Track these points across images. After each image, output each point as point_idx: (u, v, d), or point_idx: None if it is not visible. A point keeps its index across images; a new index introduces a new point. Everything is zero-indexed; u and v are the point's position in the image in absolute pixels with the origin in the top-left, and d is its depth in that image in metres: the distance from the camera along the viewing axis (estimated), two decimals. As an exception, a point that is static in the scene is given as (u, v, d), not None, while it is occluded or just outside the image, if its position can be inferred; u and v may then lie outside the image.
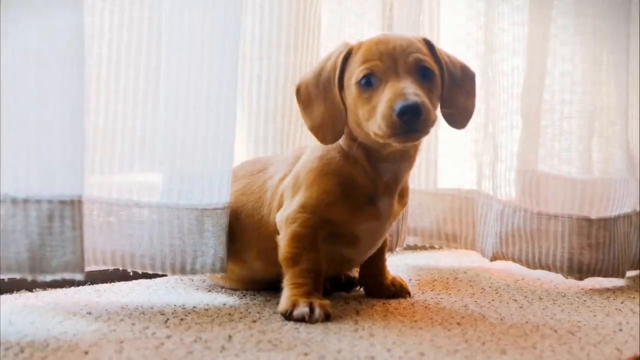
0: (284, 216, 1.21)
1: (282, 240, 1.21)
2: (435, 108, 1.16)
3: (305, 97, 1.22)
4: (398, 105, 1.08)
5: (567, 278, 1.53)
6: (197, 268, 1.26)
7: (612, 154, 1.59)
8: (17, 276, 1.07)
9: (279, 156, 1.37)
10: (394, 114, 1.08)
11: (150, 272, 1.26)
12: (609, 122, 1.59)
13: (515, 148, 1.59)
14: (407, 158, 1.22)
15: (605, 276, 1.52)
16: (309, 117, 1.21)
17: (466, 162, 1.76)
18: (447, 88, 1.20)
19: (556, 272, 1.53)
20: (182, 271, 1.25)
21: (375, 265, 1.35)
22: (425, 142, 1.70)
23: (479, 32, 1.69)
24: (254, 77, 1.49)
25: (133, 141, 1.26)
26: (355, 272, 1.40)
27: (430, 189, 1.73)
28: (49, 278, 1.07)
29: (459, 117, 1.23)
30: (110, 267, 1.27)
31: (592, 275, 1.51)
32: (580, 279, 1.52)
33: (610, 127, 1.59)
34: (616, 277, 1.54)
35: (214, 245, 1.25)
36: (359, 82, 1.15)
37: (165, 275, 1.40)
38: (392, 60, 1.14)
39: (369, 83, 1.14)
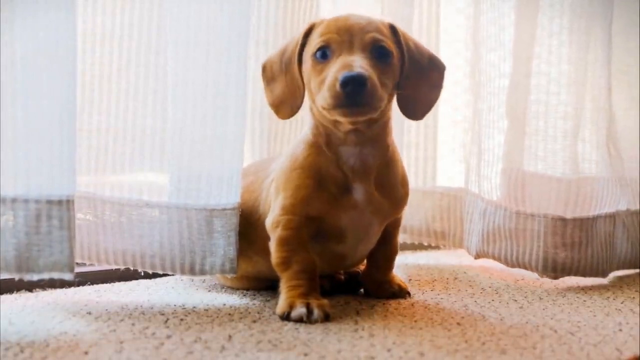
0: (269, 222, 1.22)
1: (272, 246, 1.21)
2: (386, 89, 1.15)
3: (270, 74, 1.25)
4: (342, 75, 1.09)
5: (541, 277, 1.54)
6: (207, 269, 1.26)
7: (593, 154, 1.60)
8: (4, 275, 1.07)
9: (278, 157, 1.37)
10: (338, 84, 1.09)
11: (161, 272, 1.27)
12: (591, 122, 1.59)
13: (499, 147, 1.59)
14: (369, 141, 1.20)
15: (583, 275, 1.53)
16: (271, 93, 1.24)
17: (458, 162, 1.76)
18: (408, 75, 1.20)
19: (532, 270, 1.53)
20: (192, 272, 1.26)
21: (378, 267, 1.34)
22: (418, 140, 1.72)
23: (468, 34, 1.69)
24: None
25: (143, 140, 1.27)
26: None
27: (419, 187, 1.73)
28: (35, 277, 1.07)
29: (416, 106, 1.23)
30: (122, 267, 1.28)
31: (568, 274, 1.52)
32: (555, 277, 1.52)
33: (592, 127, 1.59)
34: (595, 276, 1.54)
35: (223, 246, 1.25)
36: (314, 54, 1.16)
37: (167, 275, 1.40)
38: (348, 35, 1.15)
39: (324, 56, 1.16)
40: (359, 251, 1.28)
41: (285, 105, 1.23)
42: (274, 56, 1.26)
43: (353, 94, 1.09)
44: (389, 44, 1.17)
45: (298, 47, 1.20)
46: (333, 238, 1.24)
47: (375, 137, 1.21)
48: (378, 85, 1.11)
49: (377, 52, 1.15)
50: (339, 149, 1.21)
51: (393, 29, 1.21)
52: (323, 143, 1.21)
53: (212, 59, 1.24)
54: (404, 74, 1.20)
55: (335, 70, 1.11)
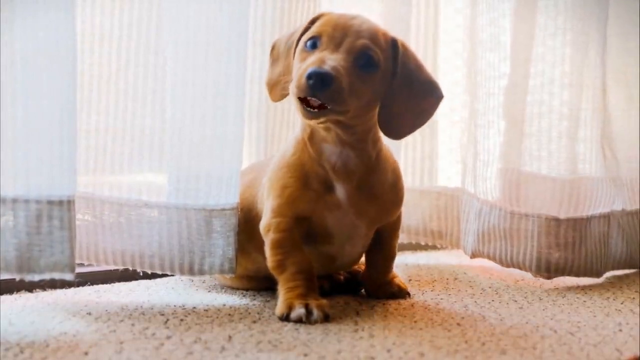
0: (262, 225, 1.23)
1: (266, 250, 1.22)
2: (360, 97, 1.14)
3: (276, 54, 1.26)
4: (310, 68, 1.09)
5: (535, 277, 1.55)
6: (206, 269, 1.26)
7: (587, 154, 1.60)
8: (5, 275, 1.08)
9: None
10: (304, 76, 1.09)
11: (160, 272, 1.28)
12: (586, 122, 1.59)
13: (495, 147, 1.59)
14: (349, 145, 1.19)
15: (576, 275, 1.53)
16: (270, 73, 1.26)
17: (455, 162, 1.76)
18: (395, 92, 1.19)
19: (526, 270, 1.54)
20: (191, 272, 1.26)
21: (376, 269, 1.34)
22: (415, 140, 1.72)
23: (465, 35, 1.69)
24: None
25: (142, 140, 1.27)
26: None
27: (417, 186, 1.73)
28: (37, 278, 1.07)
29: (395, 125, 1.21)
30: (121, 267, 1.28)
31: (562, 274, 1.53)
32: (549, 278, 1.53)
33: (587, 127, 1.60)
34: (590, 277, 1.55)
35: (222, 246, 1.26)
36: (305, 42, 1.17)
37: (167, 276, 1.40)
38: (341, 35, 1.15)
39: (313, 45, 1.15)
40: (347, 252, 1.28)
41: (278, 87, 1.23)
42: (283, 37, 1.26)
43: (314, 89, 1.08)
44: (379, 55, 1.16)
45: (300, 32, 1.20)
46: (320, 239, 1.24)
47: (354, 143, 1.20)
48: (346, 89, 1.10)
49: (363, 60, 1.14)
50: (321, 146, 1.20)
51: (394, 44, 1.20)
52: (307, 138, 1.21)
53: (212, 59, 1.24)
54: (392, 91, 1.18)
55: (308, 63, 1.11)
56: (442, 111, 1.74)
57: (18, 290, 1.28)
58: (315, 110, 1.10)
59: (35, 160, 1.07)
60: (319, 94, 1.08)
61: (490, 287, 1.46)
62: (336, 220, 1.22)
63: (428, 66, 1.44)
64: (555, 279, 1.54)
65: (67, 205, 1.08)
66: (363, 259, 1.36)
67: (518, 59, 1.59)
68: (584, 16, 1.56)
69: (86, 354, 0.95)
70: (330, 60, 1.11)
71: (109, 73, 1.27)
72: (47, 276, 1.08)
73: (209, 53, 1.24)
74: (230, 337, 1.05)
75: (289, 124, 1.55)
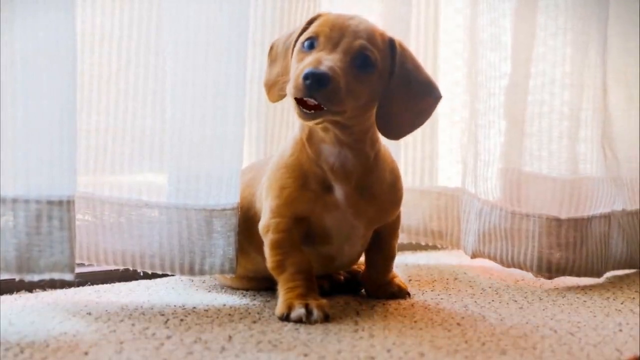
0: (261, 226, 1.23)
1: (266, 251, 1.22)
2: (357, 97, 1.14)
3: (274, 55, 1.26)
4: (307, 69, 1.09)
5: (536, 277, 1.55)
6: (206, 269, 1.27)
7: (588, 154, 1.60)
8: (5, 275, 1.08)
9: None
10: (301, 76, 1.09)
11: (160, 272, 1.28)
12: (587, 122, 1.60)
13: (495, 147, 1.59)
14: (347, 146, 1.19)
15: (577, 275, 1.54)
16: (268, 74, 1.25)
17: (456, 162, 1.76)
18: (393, 92, 1.18)
19: (527, 270, 1.54)
20: (191, 272, 1.26)
21: (376, 269, 1.34)
22: (416, 139, 1.72)
23: (465, 35, 1.69)
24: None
25: (142, 140, 1.27)
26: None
27: (417, 186, 1.73)
28: (36, 278, 1.07)
29: (393, 126, 1.21)
30: (122, 267, 1.28)
31: (563, 274, 1.53)
32: (550, 278, 1.53)
33: (588, 127, 1.60)
34: (590, 276, 1.55)
35: (222, 246, 1.26)
36: (302, 43, 1.16)
37: (167, 276, 1.40)
38: (339, 35, 1.14)
39: (310, 46, 1.15)
40: (346, 252, 1.28)
41: (276, 87, 1.23)
42: (282, 38, 1.26)
43: (311, 89, 1.08)
44: (376, 55, 1.15)
45: (298, 33, 1.20)
46: (319, 239, 1.24)
47: (352, 143, 1.20)
48: (342, 89, 1.10)
49: (360, 60, 1.14)
50: (320, 147, 1.20)
51: (391, 44, 1.20)
52: (305, 139, 1.21)
53: (212, 59, 1.24)
54: (389, 91, 1.18)
55: (305, 63, 1.11)
56: (442, 111, 1.75)
57: (18, 290, 1.29)
58: (312, 111, 1.10)
59: (35, 160, 1.07)
60: (315, 94, 1.08)
61: (490, 287, 1.46)
62: (335, 220, 1.22)
63: (428, 66, 1.45)
64: (555, 279, 1.54)
65: (67, 205, 1.09)
66: (363, 259, 1.36)
67: (519, 58, 1.59)
68: (584, 16, 1.56)
69: (86, 354, 0.95)
70: (327, 60, 1.11)
71: (109, 73, 1.27)
72: (47, 276, 1.08)
73: (209, 53, 1.24)
74: (230, 337, 1.05)
75: (288, 124, 1.56)
